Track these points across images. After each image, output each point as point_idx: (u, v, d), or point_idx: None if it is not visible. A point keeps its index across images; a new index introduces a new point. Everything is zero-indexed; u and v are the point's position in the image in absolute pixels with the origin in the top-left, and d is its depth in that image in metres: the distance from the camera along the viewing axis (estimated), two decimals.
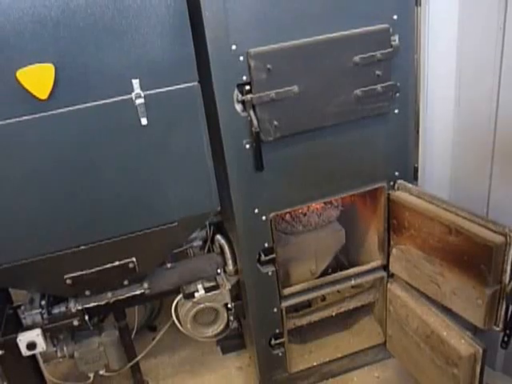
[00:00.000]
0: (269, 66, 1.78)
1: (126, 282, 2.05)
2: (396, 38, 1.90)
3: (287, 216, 2.25)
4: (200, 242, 2.34)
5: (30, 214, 1.78)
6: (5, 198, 1.74)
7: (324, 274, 2.33)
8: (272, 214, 2.02)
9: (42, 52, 1.61)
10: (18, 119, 1.66)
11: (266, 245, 2.07)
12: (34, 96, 1.63)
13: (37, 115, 1.67)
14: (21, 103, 1.64)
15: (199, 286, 2.16)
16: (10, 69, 1.59)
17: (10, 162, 1.71)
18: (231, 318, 2.29)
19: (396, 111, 2.02)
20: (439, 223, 1.90)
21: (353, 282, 2.25)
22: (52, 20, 1.60)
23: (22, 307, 2.07)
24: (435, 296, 2.02)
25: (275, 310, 2.20)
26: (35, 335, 2.01)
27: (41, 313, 2.04)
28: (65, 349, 2.17)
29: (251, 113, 1.82)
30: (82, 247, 1.87)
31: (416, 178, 2.20)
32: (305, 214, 2.24)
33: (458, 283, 1.88)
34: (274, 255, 2.07)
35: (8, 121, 1.65)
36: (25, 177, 1.74)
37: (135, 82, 1.71)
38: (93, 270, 1.95)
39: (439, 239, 1.92)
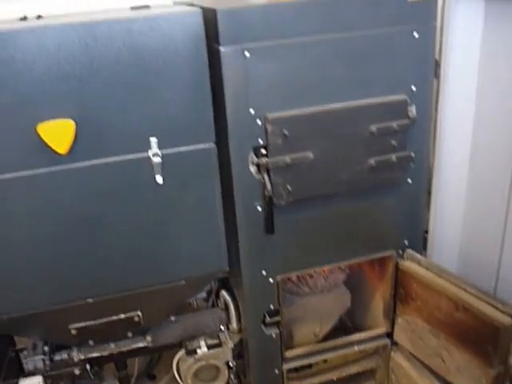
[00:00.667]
0: (285, 131, 1.80)
1: (129, 334, 2.05)
2: (413, 108, 1.91)
3: (294, 276, 2.22)
4: (204, 294, 2.32)
5: (39, 266, 1.78)
6: (16, 248, 1.74)
7: (327, 335, 2.31)
8: (279, 277, 2.01)
9: (63, 107, 1.64)
10: (35, 171, 1.68)
11: (272, 307, 2.05)
12: (53, 150, 1.66)
13: (54, 168, 1.69)
14: (39, 156, 1.67)
15: (202, 343, 2.15)
16: (31, 122, 1.62)
17: (24, 213, 1.71)
18: (232, 376, 2.26)
19: (409, 181, 2.02)
20: (447, 298, 1.89)
21: (356, 349, 2.22)
22: (75, 76, 1.63)
23: (25, 352, 2.07)
24: (439, 370, 1.99)
25: (276, 371, 2.18)
26: (37, 382, 2.00)
27: (43, 359, 2.04)
28: None
29: (265, 176, 1.83)
30: (90, 300, 1.87)
31: (425, 248, 2.19)
32: (311, 276, 2.22)
33: (463, 360, 1.86)
34: (279, 318, 2.05)
35: (26, 172, 1.67)
36: (37, 228, 1.75)
37: (153, 141, 1.74)
38: (98, 322, 1.94)
39: (446, 314, 1.90)
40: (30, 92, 1.61)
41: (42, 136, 1.64)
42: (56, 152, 1.67)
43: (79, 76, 1.63)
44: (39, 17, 1.96)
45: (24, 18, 1.93)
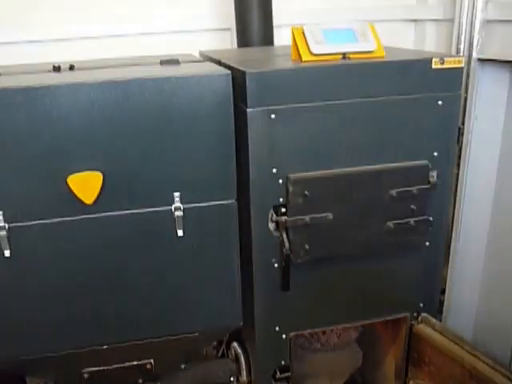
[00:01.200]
0: (306, 192, 1.83)
1: (140, 381, 2.04)
2: (434, 174, 1.93)
3: (306, 332, 2.21)
4: (215, 343, 2.34)
5: (58, 311, 1.81)
6: (36, 293, 1.78)
7: None
8: (292, 334, 2.02)
9: (93, 160, 1.70)
10: (62, 219, 1.72)
11: (283, 363, 2.06)
12: (80, 200, 1.71)
13: (79, 217, 1.73)
14: (66, 205, 1.71)
15: None
16: (62, 173, 1.68)
17: (46, 259, 1.76)
18: None
19: (427, 244, 2.03)
20: (461, 366, 1.87)
21: None
22: (106, 131, 1.69)
23: None
24: None
25: None
26: None
27: None
28: None
29: (284, 234, 1.85)
30: (105, 346, 1.89)
31: (441, 312, 2.18)
32: (324, 333, 2.20)
33: None
34: (289, 374, 2.05)
35: (52, 220, 1.72)
36: (58, 274, 1.79)
37: (176, 195, 1.78)
38: (111, 367, 1.95)
39: (460, 382, 1.89)
40: (62, 145, 1.68)
41: (72, 187, 1.69)
42: (82, 202, 1.71)
43: (109, 131, 1.70)
44: (72, 67, 2.02)
45: (58, 69, 1.99)
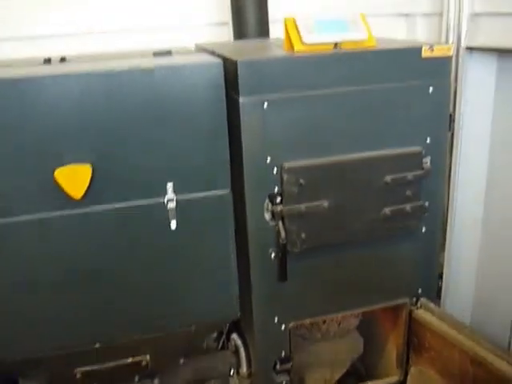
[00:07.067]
0: (301, 180, 1.81)
1: (136, 379, 2.02)
2: (428, 160, 1.93)
3: (306, 322, 2.19)
4: (215, 334, 2.31)
5: (48, 310, 1.77)
6: (26, 292, 1.72)
7: (339, 381, 2.27)
8: (291, 324, 1.99)
9: (81, 152, 1.66)
10: (48, 214, 1.67)
11: (283, 354, 2.03)
12: (68, 194, 1.66)
13: (67, 212, 1.69)
14: (53, 199, 1.67)
15: None
16: (49, 166, 1.63)
17: (34, 256, 1.71)
18: None
19: (423, 230, 2.02)
20: (460, 351, 1.86)
21: None
22: (96, 122, 1.66)
23: None
24: None
25: None
26: None
27: None
28: None
29: (280, 224, 1.84)
30: (97, 345, 1.85)
31: (439, 297, 2.18)
32: (324, 322, 2.17)
33: None
34: (290, 365, 2.03)
35: (39, 215, 1.67)
36: (47, 272, 1.74)
37: (169, 186, 1.75)
38: (105, 366, 1.91)
39: (459, 367, 1.88)
40: (50, 136, 1.64)
41: (59, 180, 1.65)
42: (70, 196, 1.67)
43: (100, 122, 1.66)
44: (63, 59, 2.00)
45: (48, 61, 1.96)
